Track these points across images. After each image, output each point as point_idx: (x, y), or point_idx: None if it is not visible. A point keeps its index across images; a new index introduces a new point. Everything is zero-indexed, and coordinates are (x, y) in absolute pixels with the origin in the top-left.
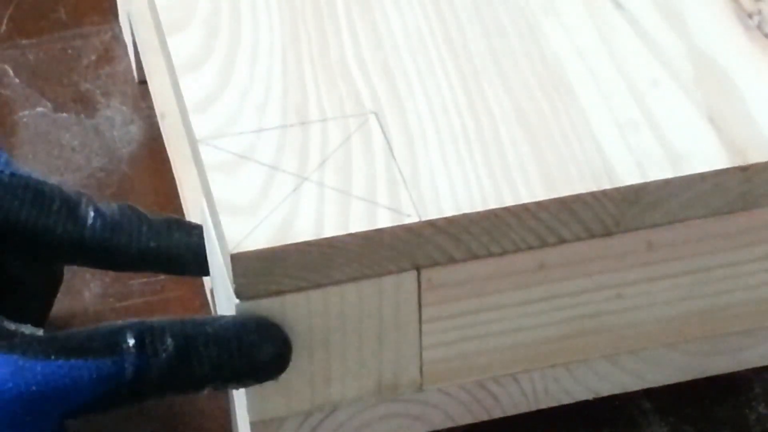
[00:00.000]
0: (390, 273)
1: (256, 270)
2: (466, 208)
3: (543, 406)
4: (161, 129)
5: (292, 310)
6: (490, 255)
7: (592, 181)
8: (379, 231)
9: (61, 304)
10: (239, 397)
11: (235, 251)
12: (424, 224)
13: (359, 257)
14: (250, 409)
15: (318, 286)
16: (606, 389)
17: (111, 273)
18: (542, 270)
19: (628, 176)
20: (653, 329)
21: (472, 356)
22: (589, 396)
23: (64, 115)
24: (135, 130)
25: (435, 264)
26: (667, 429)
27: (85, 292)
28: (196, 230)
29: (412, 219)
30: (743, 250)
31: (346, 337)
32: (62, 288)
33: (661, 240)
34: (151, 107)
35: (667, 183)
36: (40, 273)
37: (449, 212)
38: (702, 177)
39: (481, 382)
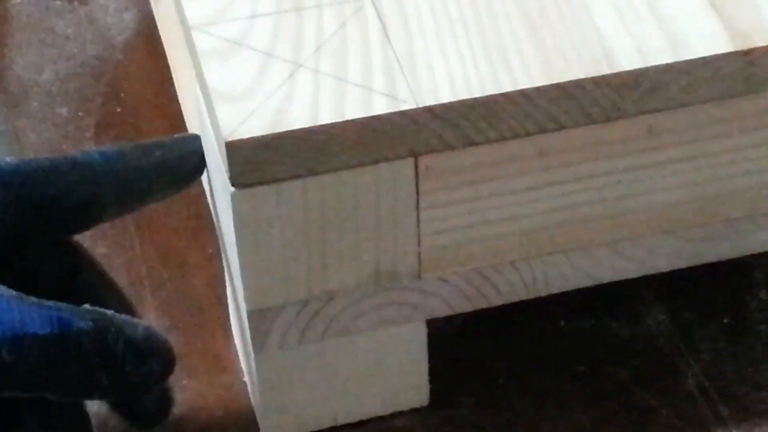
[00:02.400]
0: (387, 160)
1: (251, 158)
2: (464, 94)
3: (542, 293)
4: (155, 16)
5: (288, 197)
6: (488, 141)
7: (591, 67)
8: (375, 118)
9: None
10: (237, 286)
11: (230, 139)
12: (420, 110)
13: (355, 144)
14: (248, 298)
15: (314, 173)
16: (605, 276)
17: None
18: (541, 157)
19: (628, 61)
20: (653, 216)
21: (470, 244)
22: (589, 283)
23: (57, 2)
24: (129, 18)
25: (432, 151)
26: (666, 316)
27: None
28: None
29: (409, 105)
30: (745, 135)
31: (342, 224)
32: None
33: (661, 125)
34: None
35: (667, 68)
36: (57, 264)
37: (446, 98)
38: (703, 61)
39: (480, 270)
